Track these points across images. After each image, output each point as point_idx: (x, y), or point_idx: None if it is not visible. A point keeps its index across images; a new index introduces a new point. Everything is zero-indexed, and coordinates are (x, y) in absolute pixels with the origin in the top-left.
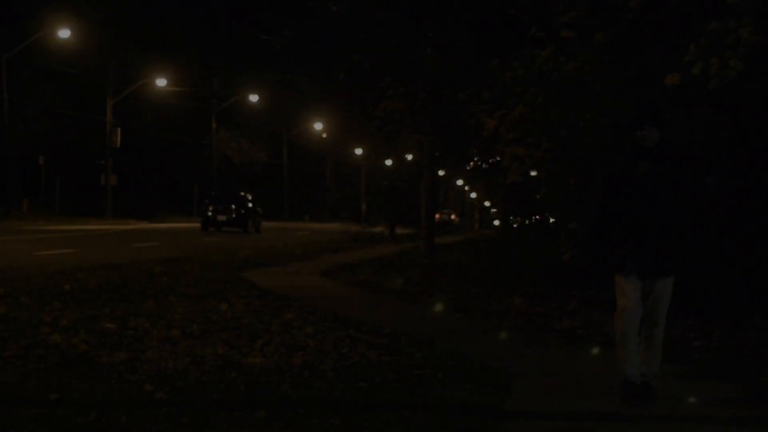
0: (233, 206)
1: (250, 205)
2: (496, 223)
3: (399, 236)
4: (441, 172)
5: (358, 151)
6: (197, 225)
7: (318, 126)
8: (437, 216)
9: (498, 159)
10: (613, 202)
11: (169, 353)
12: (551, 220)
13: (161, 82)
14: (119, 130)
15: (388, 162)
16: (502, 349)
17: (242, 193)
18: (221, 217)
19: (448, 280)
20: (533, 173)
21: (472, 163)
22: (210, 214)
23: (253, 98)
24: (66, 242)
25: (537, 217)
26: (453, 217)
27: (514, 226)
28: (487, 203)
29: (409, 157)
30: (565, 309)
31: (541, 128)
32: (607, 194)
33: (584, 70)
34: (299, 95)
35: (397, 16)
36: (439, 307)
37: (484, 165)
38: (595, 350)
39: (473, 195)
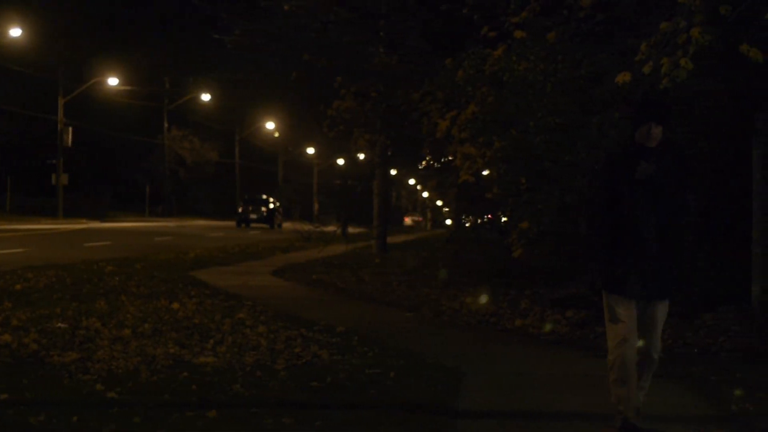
0: (262, 207)
1: (272, 206)
2: (449, 222)
3: (351, 235)
4: (393, 172)
5: (310, 151)
6: (150, 224)
7: (270, 125)
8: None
9: (450, 158)
10: (613, 209)
11: (120, 353)
12: (503, 219)
13: (113, 82)
14: (71, 129)
15: (341, 161)
16: (454, 348)
17: (268, 197)
18: (253, 216)
19: (400, 279)
20: (485, 172)
21: (424, 163)
22: (243, 213)
23: (205, 97)
24: (16, 242)
25: (488, 216)
26: (419, 219)
27: (466, 225)
28: (439, 202)
29: (362, 156)
30: (516, 308)
31: (492, 128)
32: (607, 200)
33: (536, 69)
34: (251, 94)
35: (349, 15)
36: (391, 306)
37: (436, 164)
38: (546, 349)
39: (425, 194)
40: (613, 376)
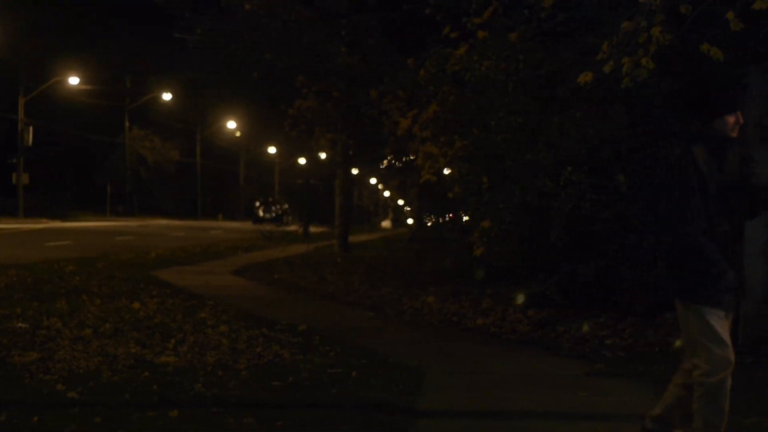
0: (273, 208)
1: (285, 207)
2: (410, 221)
3: (313, 235)
4: (355, 171)
5: (272, 150)
6: (112, 224)
7: (232, 125)
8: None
9: (412, 157)
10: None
11: (81, 353)
12: (464, 218)
13: (74, 81)
14: (31, 128)
15: (302, 161)
16: (415, 347)
17: (280, 200)
18: (266, 215)
19: (362, 279)
20: (447, 171)
21: (386, 162)
22: (260, 213)
23: (167, 97)
24: None
25: (450, 215)
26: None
27: (428, 224)
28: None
29: (323, 155)
30: (478, 307)
31: (454, 127)
32: (700, 201)
33: (497, 68)
34: (213, 94)
35: (311, 14)
36: (353, 305)
37: (398, 163)
38: (507, 348)
39: (387, 194)
40: (710, 402)
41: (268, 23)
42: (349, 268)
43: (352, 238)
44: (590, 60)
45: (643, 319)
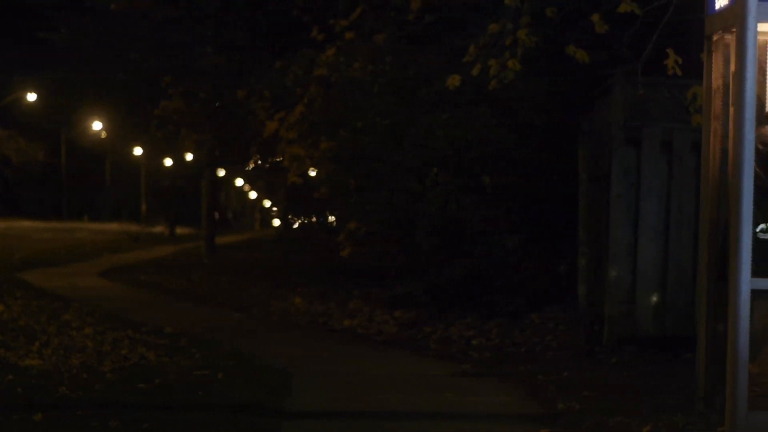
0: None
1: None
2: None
3: (179, 236)
4: (222, 172)
5: (138, 151)
6: None
7: (98, 126)
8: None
9: (279, 159)
10: None
11: None
12: (330, 219)
13: None
14: None
15: (169, 162)
16: (282, 349)
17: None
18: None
19: (229, 280)
20: (313, 173)
21: (252, 163)
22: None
23: (32, 97)
24: None
25: (314, 218)
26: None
27: (294, 226)
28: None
29: (190, 156)
30: (345, 308)
31: (320, 128)
32: None
33: (364, 70)
34: (79, 94)
35: (177, 14)
36: (220, 306)
37: (265, 165)
38: (375, 349)
39: (253, 195)
40: None
41: (135, 23)
42: (217, 269)
43: (219, 239)
44: (457, 62)
45: (509, 320)
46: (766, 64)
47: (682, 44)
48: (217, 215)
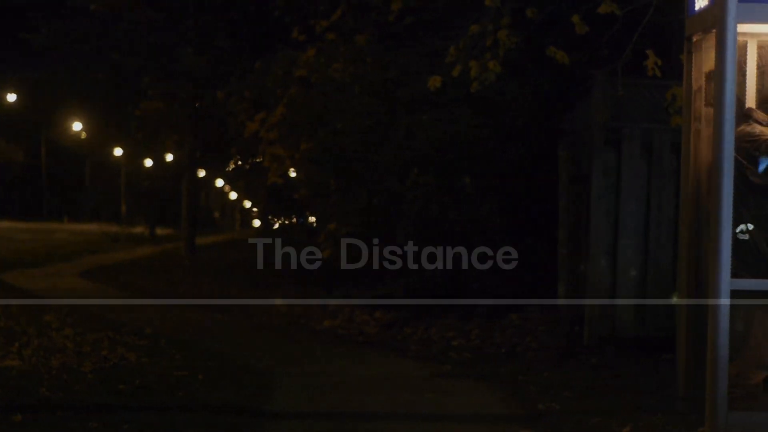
0: None
1: None
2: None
3: (160, 237)
4: (202, 173)
5: (118, 152)
6: None
7: (78, 126)
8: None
9: (259, 159)
10: None
11: None
12: (311, 219)
13: None
14: None
15: (149, 162)
16: (263, 350)
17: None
18: None
19: (209, 281)
20: (293, 174)
21: (232, 164)
22: None
23: (11, 97)
24: None
25: (294, 219)
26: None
27: (274, 227)
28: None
29: (170, 157)
30: (325, 309)
31: (301, 129)
32: None
33: (345, 71)
34: (60, 94)
35: (156, 15)
36: (200, 307)
37: (246, 165)
38: (355, 350)
39: (234, 195)
40: None
41: (115, 24)
42: (197, 270)
43: (199, 240)
44: (439, 63)
45: (490, 321)
46: (745, 64)
47: (662, 46)
48: (217, 215)
